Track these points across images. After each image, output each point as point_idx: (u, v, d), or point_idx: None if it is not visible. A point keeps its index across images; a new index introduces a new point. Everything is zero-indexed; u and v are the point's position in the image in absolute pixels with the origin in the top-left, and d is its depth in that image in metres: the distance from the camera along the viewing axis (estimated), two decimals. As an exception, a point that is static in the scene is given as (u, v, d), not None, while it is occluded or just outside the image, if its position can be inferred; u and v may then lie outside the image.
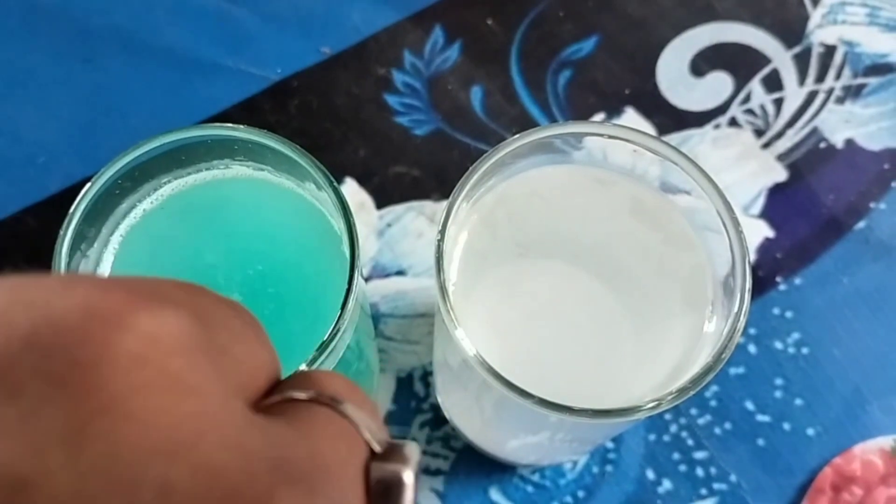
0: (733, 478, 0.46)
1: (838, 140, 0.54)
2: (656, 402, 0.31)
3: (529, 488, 0.46)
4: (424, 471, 0.46)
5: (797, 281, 0.50)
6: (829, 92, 0.55)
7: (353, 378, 0.38)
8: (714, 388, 0.48)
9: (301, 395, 0.19)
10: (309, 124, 0.53)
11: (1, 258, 0.50)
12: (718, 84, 0.55)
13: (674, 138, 0.53)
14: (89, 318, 0.15)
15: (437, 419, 0.48)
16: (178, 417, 0.15)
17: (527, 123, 0.53)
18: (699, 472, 0.46)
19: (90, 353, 0.14)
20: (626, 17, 0.57)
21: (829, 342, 0.49)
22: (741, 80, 0.55)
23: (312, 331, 0.33)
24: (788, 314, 0.49)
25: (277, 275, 0.36)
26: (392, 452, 0.19)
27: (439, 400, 0.47)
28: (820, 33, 0.56)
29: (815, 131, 0.54)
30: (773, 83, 0.55)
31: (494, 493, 0.46)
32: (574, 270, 0.36)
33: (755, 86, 0.55)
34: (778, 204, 0.52)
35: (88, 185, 0.34)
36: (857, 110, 0.54)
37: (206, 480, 0.15)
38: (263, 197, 0.38)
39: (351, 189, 0.52)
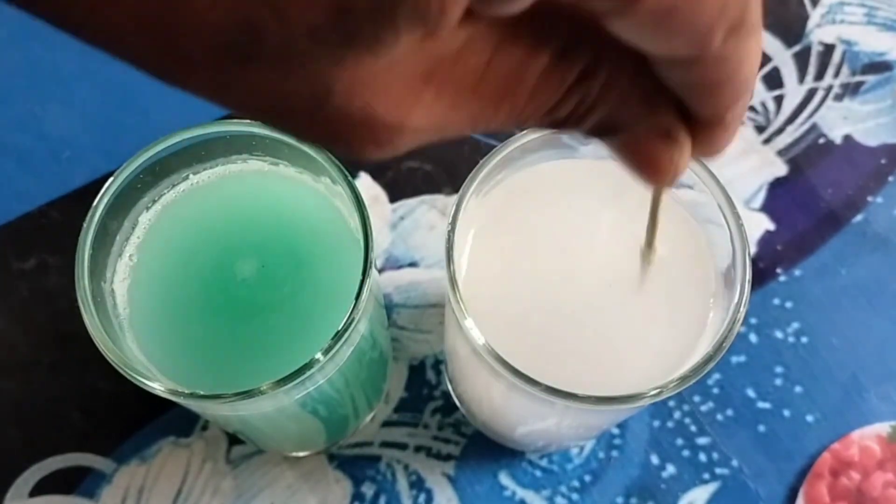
0: (735, 463, 0.47)
1: (837, 136, 0.54)
2: (659, 390, 0.31)
3: (538, 473, 0.47)
4: (436, 456, 0.47)
5: (797, 272, 0.51)
6: (828, 89, 0.55)
7: (367, 366, 0.40)
8: (716, 375, 0.48)
9: None
10: (324, 121, 0.54)
11: (26, 250, 0.50)
12: (721, 81, 0.55)
13: (677, 134, 0.54)
14: None
15: (449, 406, 0.48)
16: None
17: (535, 120, 0.54)
18: (702, 457, 0.47)
19: None
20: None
21: (827, 331, 0.49)
22: (743, 78, 0.55)
23: (328, 320, 0.33)
24: (788, 304, 0.50)
25: (294, 266, 0.37)
26: None
27: (450, 387, 0.48)
28: (819, 32, 0.57)
29: (814, 127, 0.54)
30: (774, 81, 0.55)
31: (504, 478, 0.47)
32: (580, 261, 0.37)
33: (756, 83, 0.55)
34: (778, 198, 0.52)
35: (111, 179, 0.34)
36: (855, 107, 0.55)
37: None
38: (280, 191, 0.38)
39: (365, 183, 0.52)
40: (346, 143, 0.17)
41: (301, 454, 0.47)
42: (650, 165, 0.22)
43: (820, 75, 0.56)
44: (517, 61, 0.18)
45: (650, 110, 0.21)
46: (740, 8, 0.17)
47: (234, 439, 0.47)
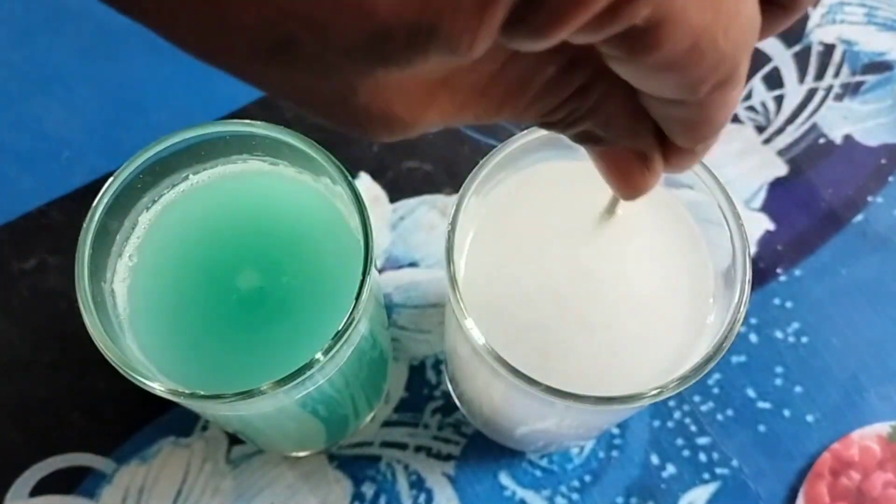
0: (735, 463, 0.47)
1: (837, 136, 0.54)
2: (659, 390, 0.31)
3: (538, 473, 0.47)
4: (436, 456, 0.47)
5: (797, 272, 0.51)
6: (828, 89, 0.55)
7: (367, 366, 0.40)
8: (716, 375, 0.48)
9: None
10: (324, 121, 0.54)
11: (27, 251, 0.50)
12: (721, 81, 0.55)
13: (678, 134, 0.54)
14: None
15: (449, 406, 0.48)
16: None
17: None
18: (702, 457, 0.47)
19: None
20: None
21: (827, 331, 0.49)
22: (743, 78, 0.55)
23: (328, 320, 0.33)
24: (788, 304, 0.50)
25: (294, 266, 0.37)
26: None
27: (450, 387, 0.48)
28: (819, 32, 0.57)
29: (814, 127, 0.54)
30: (774, 81, 0.55)
31: (504, 478, 0.47)
32: (580, 262, 0.36)
33: (756, 83, 0.55)
34: (778, 198, 0.52)
35: (111, 179, 0.34)
36: (855, 107, 0.55)
37: None
38: (280, 191, 0.38)
39: (365, 183, 0.52)
40: (364, 131, 0.19)
41: (301, 454, 0.47)
42: (624, 180, 0.25)
43: (820, 75, 0.56)
44: (526, 70, 0.20)
45: (632, 132, 0.23)
46: (733, 66, 0.19)
47: (234, 439, 0.47)
